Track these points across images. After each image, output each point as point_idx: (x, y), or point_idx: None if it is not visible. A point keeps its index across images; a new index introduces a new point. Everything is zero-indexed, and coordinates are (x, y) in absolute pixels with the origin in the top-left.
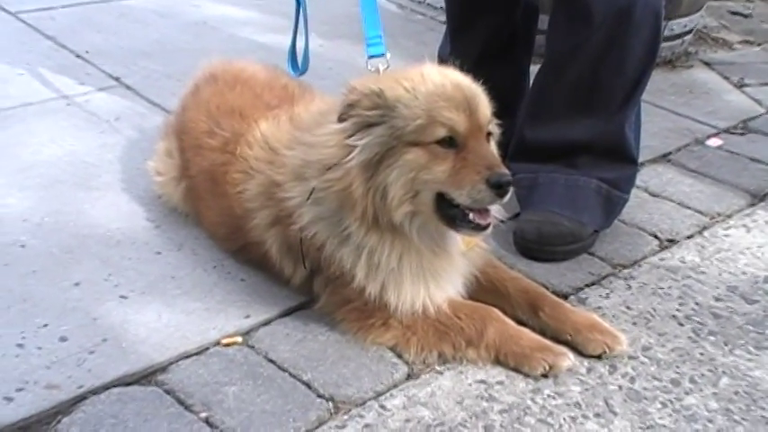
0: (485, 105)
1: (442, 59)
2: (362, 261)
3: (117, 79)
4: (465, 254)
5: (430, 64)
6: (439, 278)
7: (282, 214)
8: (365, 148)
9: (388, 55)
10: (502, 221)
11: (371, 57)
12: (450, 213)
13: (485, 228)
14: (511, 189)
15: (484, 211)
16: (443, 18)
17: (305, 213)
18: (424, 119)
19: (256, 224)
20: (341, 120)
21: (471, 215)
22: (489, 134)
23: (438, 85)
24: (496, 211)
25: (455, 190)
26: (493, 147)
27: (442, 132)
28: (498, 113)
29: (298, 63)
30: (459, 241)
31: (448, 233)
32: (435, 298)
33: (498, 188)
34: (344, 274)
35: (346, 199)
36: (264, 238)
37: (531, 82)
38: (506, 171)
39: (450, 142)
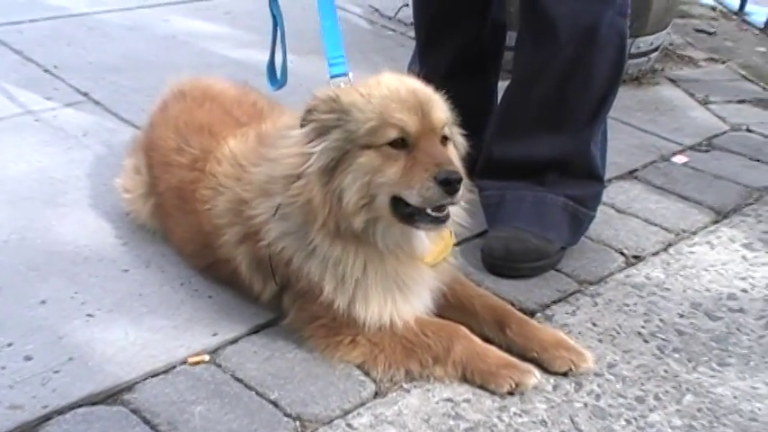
0: (439, 109)
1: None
2: (329, 274)
3: (85, 94)
4: (432, 267)
5: (388, 72)
6: (406, 289)
7: (251, 231)
8: (322, 154)
9: (351, 75)
10: (468, 239)
11: (334, 76)
12: (407, 212)
13: (443, 220)
14: (461, 186)
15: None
16: (413, 34)
17: (272, 229)
18: (376, 121)
19: (225, 241)
20: (301, 126)
21: (428, 209)
22: (446, 138)
23: (392, 89)
24: (456, 214)
25: (406, 190)
26: (451, 151)
27: (393, 134)
28: (466, 130)
29: (277, 76)
30: (425, 248)
31: (412, 236)
32: (403, 312)
33: (447, 185)
34: (313, 288)
35: (310, 211)
36: (234, 254)
37: (500, 99)
38: (456, 168)
39: (402, 144)
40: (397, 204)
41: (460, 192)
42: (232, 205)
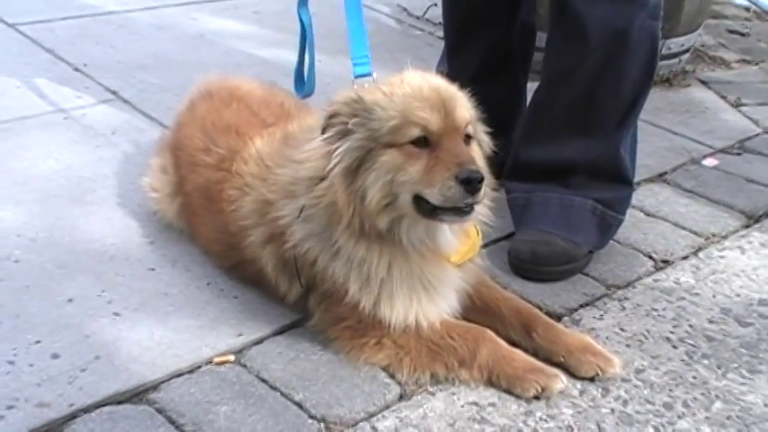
0: (463, 107)
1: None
2: (354, 274)
3: (114, 93)
4: (459, 267)
5: (412, 70)
6: (432, 289)
7: (276, 232)
8: (345, 154)
9: (375, 75)
10: (494, 241)
11: (358, 76)
12: (429, 209)
13: (468, 212)
14: (483, 185)
15: None
16: (442, 34)
17: (296, 231)
18: (398, 119)
19: (251, 241)
20: (323, 131)
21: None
22: (470, 137)
23: (415, 87)
24: (482, 213)
25: (427, 189)
26: (475, 150)
27: (415, 132)
28: (494, 131)
29: (304, 84)
30: (450, 244)
31: (437, 232)
32: (428, 312)
33: (468, 184)
34: (338, 290)
35: (334, 212)
36: (259, 255)
37: (529, 100)
38: (477, 167)
39: (424, 142)
40: (419, 202)
41: (482, 191)
42: (257, 206)
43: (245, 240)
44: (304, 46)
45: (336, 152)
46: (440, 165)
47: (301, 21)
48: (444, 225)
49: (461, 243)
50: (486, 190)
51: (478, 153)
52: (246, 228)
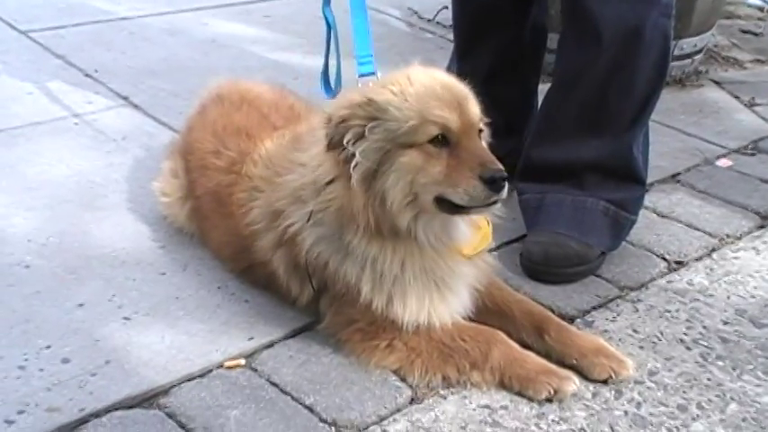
0: (474, 103)
1: None
2: (367, 273)
3: (125, 98)
4: (471, 259)
5: (415, 67)
6: (444, 286)
7: (286, 237)
8: (363, 157)
9: (379, 74)
10: (507, 243)
11: (362, 75)
12: (452, 207)
13: (495, 202)
14: (506, 184)
15: None
16: (452, 37)
17: (307, 237)
18: (416, 119)
19: (261, 245)
20: (332, 145)
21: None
22: (480, 131)
23: (426, 85)
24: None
25: (451, 189)
26: (485, 144)
27: (434, 131)
28: (506, 133)
29: (331, 84)
30: (466, 238)
31: (452, 227)
32: (440, 310)
33: (492, 183)
34: (350, 290)
35: (345, 215)
36: (270, 258)
37: (540, 101)
38: (500, 166)
39: (442, 141)
40: (442, 203)
41: (506, 189)
42: (267, 212)
43: (256, 244)
44: (329, 44)
45: (354, 156)
46: (462, 165)
47: (326, 20)
48: (458, 219)
49: (473, 235)
50: (508, 187)
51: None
52: (256, 232)
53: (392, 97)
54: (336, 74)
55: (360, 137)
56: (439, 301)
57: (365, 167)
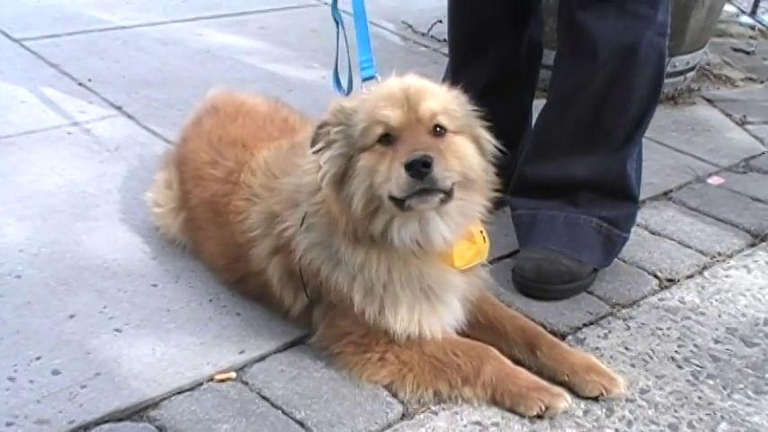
0: (432, 100)
1: None
2: (358, 281)
3: (119, 108)
4: (463, 273)
5: (397, 76)
6: (433, 295)
7: (282, 243)
8: (329, 163)
9: (379, 77)
10: (499, 258)
11: (365, 80)
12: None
13: (429, 191)
14: (431, 168)
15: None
16: (447, 51)
17: (301, 241)
18: (366, 121)
19: (257, 253)
20: (313, 143)
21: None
22: (442, 129)
23: (387, 88)
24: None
25: (386, 183)
26: (455, 143)
27: (379, 130)
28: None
29: (342, 84)
30: (444, 241)
31: (428, 229)
32: (432, 321)
33: (410, 168)
34: (343, 299)
35: (332, 220)
36: (265, 266)
37: (535, 117)
38: (425, 153)
39: (389, 139)
40: (393, 200)
41: (432, 174)
42: (264, 217)
43: (251, 251)
44: (339, 45)
45: (322, 162)
46: (396, 157)
47: (335, 20)
48: (435, 223)
49: (466, 248)
50: (442, 172)
51: (464, 147)
52: (253, 239)
53: (358, 103)
54: (349, 74)
55: (330, 143)
56: (430, 311)
57: (332, 173)
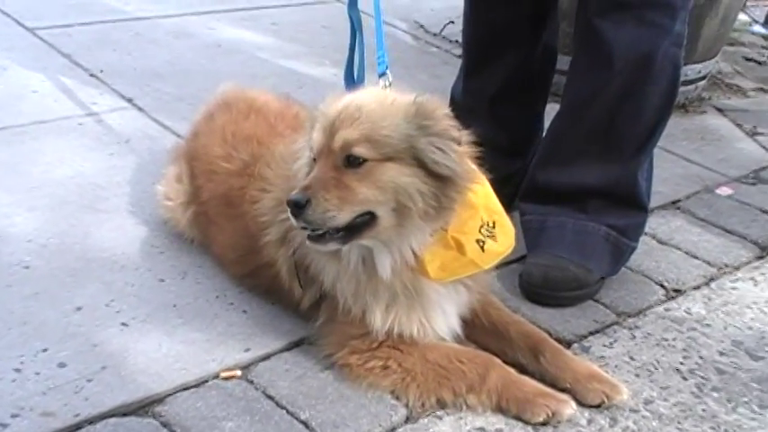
0: (351, 127)
1: (454, 98)
2: (343, 279)
3: (129, 100)
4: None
5: (374, 86)
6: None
7: (285, 231)
8: (298, 172)
9: (389, 74)
10: (506, 263)
11: (380, 75)
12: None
13: (313, 239)
14: (303, 211)
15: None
16: (458, 52)
17: (297, 234)
18: (309, 139)
19: (268, 241)
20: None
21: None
22: (354, 159)
23: (337, 104)
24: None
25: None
26: (371, 174)
27: (311, 153)
28: (511, 153)
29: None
30: (386, 265)
31: (372, 253)
32: (410, 322)
33: (288, 206)
34: (336, 296)
35: None
36: (275, 257)
37: (547, 123)
38: (299, 189)
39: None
40: None
41: (305, 215)
42: (275, 203)
43: (263, 240)
44: (354, 44)
45: (295, 169)
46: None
47: (352, 20)
48: (379, 248)
49: (452, 259)
50: (318, 213)
51: (390, 175)
52: (264, 226)
53: (321, 112)
54: (359, 70)
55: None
56: (407, 313)
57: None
